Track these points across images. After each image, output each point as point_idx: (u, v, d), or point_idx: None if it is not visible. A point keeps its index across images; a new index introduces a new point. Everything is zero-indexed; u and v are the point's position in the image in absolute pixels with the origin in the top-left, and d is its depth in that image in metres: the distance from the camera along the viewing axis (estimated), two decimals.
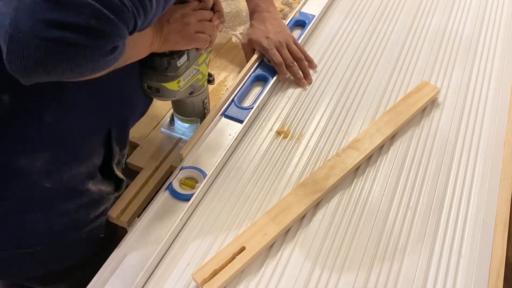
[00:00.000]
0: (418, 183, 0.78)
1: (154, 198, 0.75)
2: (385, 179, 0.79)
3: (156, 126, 0.90)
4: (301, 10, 1.11)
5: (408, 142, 0.84)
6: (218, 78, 1.00)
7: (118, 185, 0.77)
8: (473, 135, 0.86)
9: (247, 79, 0.93)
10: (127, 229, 0.75)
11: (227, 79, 1.00)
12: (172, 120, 0.89)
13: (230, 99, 0.89)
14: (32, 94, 0.58)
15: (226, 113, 0.87)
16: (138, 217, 0.75)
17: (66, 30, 0.45)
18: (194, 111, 0.84)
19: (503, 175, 0.80)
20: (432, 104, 0.91)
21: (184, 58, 0.72)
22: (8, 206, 0.65)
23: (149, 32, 0.63)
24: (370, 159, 0.81)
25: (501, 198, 0.77)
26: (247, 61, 0.98)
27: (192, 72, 0.76)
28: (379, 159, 0.82)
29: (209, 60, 0.79)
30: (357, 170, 0.80)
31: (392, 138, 0.85)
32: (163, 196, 0.75)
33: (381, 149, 0.83)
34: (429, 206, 0.75)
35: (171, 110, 0.89)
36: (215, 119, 0.86)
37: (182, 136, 0.88)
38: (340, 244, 0.70)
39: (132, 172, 0.82)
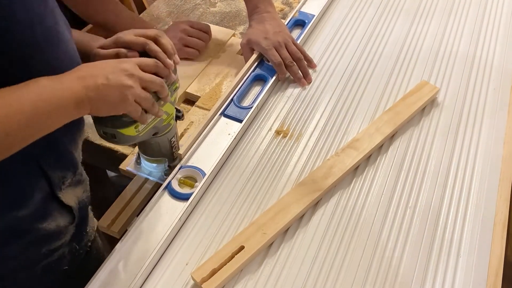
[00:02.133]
0: (417, 182, 0.78)
1: (153, 197, 0.75)
2: (384, 179, 0.79)
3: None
4: (301, 10, 1.11)
5: (407, 141, 0.84)
6: (215, 80, 0.99)
7: (73, 215, 0.67)
8: (473, 135, 0.86)
9: (247, 78, 0.93)
10: (118, 238, 0.71)
11: (223, 81, 1.00)
12: (139, 158, 0.80)
13: (229, 99, 0.89)
14: None
15: (225, 113, 0.87)
16: (137, 216, 0.75)
17: None
18: (161, 151, 0.76)
19: (502, 174, 0.80)
20: (431, 103, 0.91)
21: None
22: None
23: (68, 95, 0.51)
24: (369, 159, 0.81)
25: (500, 198, 0.77)
26: (246, 61, 0.98)
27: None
28: (378, 158, 0.82)
29: (175, 98, 0.70)
30: (356, 170, 0.80)
31: (391, 138, 0.85)
32: (162, 195, 0.75)
33: (381, 148, 0.83)
34: (428, 206, 0.75)
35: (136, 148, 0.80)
36: (215, 118, 0.86)
37: (149, 177, 0.80)
38: (339, 243, 0.70)
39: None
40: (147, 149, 0.76)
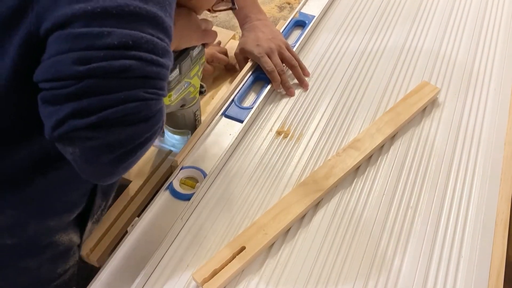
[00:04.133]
0: (418, 183, 0.78)
1: (154, 198, 0.75)
2: (385, 179, 0.79)
3: None
4: (301, 11, 1.11)
5: (408, 142, 0.84)
6: (213, 85, 0.99)
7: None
8: (473, 135, 0.86)
9: (247, 79, 0.93)
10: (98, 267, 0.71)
11: (221, 86, 0.99)
12: (162, 132, 0.86)
13: (230, 99, 0.89)
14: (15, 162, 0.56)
15: (226, 113, 0.87)
16: (138, 216, 0.75)
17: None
18: (185, 123, 0.83)
19: (503, 175, 0.80)
20: (432, 104, 0.91)
21: (176, 72, 0.70)
22: None
23: None
24: (370, 159, 0.81)
25: (501, 198, 0.77)
26: (241, 69, 0.97)
27: (184, 86, 0.74)
28: (380, 159, 0.82)
29: (201, 72, 0.78)
30: (357, 170, 0.80)
31: (392, 138, 0.85)
32: (164, 195, 0.75)
33: (382, 149, 0.83)
34: (429, 206, 0.75)
35: None
36: (215, 119, 0.86)
37: (172, 148, 0.86)
38: (340, 243, 0.70)
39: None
40: (173, 120, 0.82)
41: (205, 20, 0.72)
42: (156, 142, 0.86)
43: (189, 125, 0.84)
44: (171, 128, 0.84)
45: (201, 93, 0.81)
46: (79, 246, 0.71)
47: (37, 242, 0.64)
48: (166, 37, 0.49)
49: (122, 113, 0.46)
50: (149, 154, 0.85)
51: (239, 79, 0.93)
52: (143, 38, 0.46)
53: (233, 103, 0.89)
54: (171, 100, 0.72)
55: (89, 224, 0.70)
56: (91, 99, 0.45)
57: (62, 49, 0.45)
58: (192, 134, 0.84)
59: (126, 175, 0.81)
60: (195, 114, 0.83)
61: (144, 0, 0.46)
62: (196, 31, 0.70)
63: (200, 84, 0.80)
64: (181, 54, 0.70)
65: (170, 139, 0.86)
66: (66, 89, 0.45)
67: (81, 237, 0.70)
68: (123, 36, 0.45)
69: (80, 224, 0.69)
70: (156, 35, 0.47)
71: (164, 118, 0.52)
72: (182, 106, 0.78)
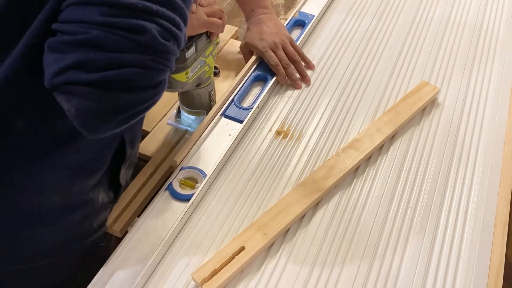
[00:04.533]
0: (418, 183, 0.78)
1: (154, 198, 0.75)
2: (385, 179, 0.79)
3: (162, 118, 0.92)
4: (301, 10, 1.11)
5: (408, 142, 0.84)
6: (216, 81, 1.00)
7: (116, 194, 0.74)
8: (473, 135, 0.86)
9: (247, 79, 0.93)
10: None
11: (223, 83, 1.00)
12: (178, 113, 0.90)
13: (229, 99, 0.89)
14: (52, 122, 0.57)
15: (226, 113, 0.87)
16: (138, 217, 0.75)
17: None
18: (201, 103, 0.86)
19: (502, 175, 0.80)
20: (432, 104, 0.91)
21: (193, 49, 0.73)
22: (13, 222, 0.62)
23: None
24: (369, 159, 0.81)
25: (501, 198, 0.77)
26: (246, 62, 0.98)
27: (200, 64, 0.77)
28: (379, 159, 0.82)
29: (216, 52, 0.82)
30: (356, 170, 0.80)
31: (392, 138, 0.85)
32: (163, 196, 0.75)
33: (381, 149, 0.83)
34: (429, 206, 0.75)
35: (177, 103, 0.90)
36: (215, 119, 0.86)
37: (188, 128, 0.89)
38: (339, 243, 0.70)
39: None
40: (189, 100, 0.86)
41: (211, 7, 0.75)
42: (173, 122, 0.89)
43: (204, 104, 0.87)
44: (187, 108, 0.87)
45: (215, 74, 0.85)
46: (111, 201, 0.73)
47: (80, 199, 0.65)
48: (182, 19, 0.49)
49: (126, 77, 0.45)
50: (166, 133, 0.89)
51: (242, 74, 0.93)
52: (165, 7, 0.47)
53: (233, 103, 0.89)
54: (188, 78, 0.75)
55: (123, 172, 0.71)
56: (99, 53, 0.44)
57: (88, 1, 0.45)
58: (207, 114, 0.86)
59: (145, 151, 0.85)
60: (210, 94, 0.86)
61: None
62: (198, 19, 0.72)
63: (215, 66, 0.83)
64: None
65: (186, 119, 0.89)
66: (76, 36, 0.44)
67: (116, 191, 0.73)
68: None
69: (113, 178, 0.71)
70: (179, 10, 0.48)
71: (163, 91, 0.51)
72: (198, 85, 0.81)
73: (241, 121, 0.86)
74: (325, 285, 0.66)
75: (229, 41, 1.10)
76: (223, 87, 0.99)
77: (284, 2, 1.22)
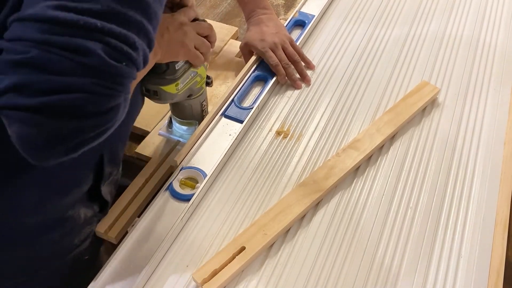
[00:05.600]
0: (418, 183, 0.78)
1: (154, 199, 0.75)
2: (385, 179, 0.79)
3: (162, 118, 0.91)
4: (301, 10, 1.11)
5: (408, 142, 0.84)
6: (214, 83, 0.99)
7: (103, 207, 0.73)
8: (473, 135, 0.86)
9: (247, 79, 0.93)
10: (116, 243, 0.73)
11: (222, 84, 0.99)
12: (170, 123, 0.88)
13: (230, 99, 0.89)
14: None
15: (226, 113, 0.87)
16: (138, 217, 0.75)
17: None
18: (192, 113, 0.84)
19: (503, 175, 0.80)
20: (432, 104, 0.91)
21: (183, 61, 0.72)
22: None
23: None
24: (370, 159, 0.81)
25: (501, 198, 0.77)
26: (246, 62, 0.98)
27: (191, 75, 0.75)
28: (379, 159, 0.82)
29: (207, 63, 0.79)
30: (357, 170, 0.80)
31: (392, 138, 0.85)
32: (164, 196, 0.75)
33: (381, 149, 0.83)
34: (429, 206, 0.75)
35: (169, 113, 0.88)
36: (215, 119, 0.86)
37: (180, 139, 0.87)
38: (340, 243, 0.70)
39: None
40: (181, 111, 0.84)
41: (200, 38, 0.70)
42: (165, 132, 0.87)
43: (196, 115, 0.85)
44: (178, 119, 0.86)
45: (208, 84, 0.82)
46: (96, 215, 0.72)
47: (58, 217, 0.64)
48: (142, 35, 0.45)
49: (68, 102, 0.40)
50: (158, 144, 0.87)
51: (243, 74, 0.93)
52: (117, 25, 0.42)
53: (233, 103, 0.89)
54: (178, 89, 0.73)
55: (103, 189, 0.69)
56: (39, 75, 0.40)
57: (31, 15, 0.41)
58: (199, 124, 0.84)
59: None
60: (202, 104, 0.84)
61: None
62: (183, 48, 0.68)
63: (207, 75, 0.81)
64: None
65: (178, 129, 0.88)
66: (15, 56, 0.40)
67: (100, 206, 0.72)
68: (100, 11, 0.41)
69: (94, 195, 0.69)
70: (134, 25, 0.43)
71: (120, 117, 0.46)
72: (189, 96, 0.80)
73: (241, 121, 0.86)
74: (325, 285, 0.66)
75: (229, 41, 1.10)
76: (223, 88, 0.99)
77: (284, 2, 1.22)
